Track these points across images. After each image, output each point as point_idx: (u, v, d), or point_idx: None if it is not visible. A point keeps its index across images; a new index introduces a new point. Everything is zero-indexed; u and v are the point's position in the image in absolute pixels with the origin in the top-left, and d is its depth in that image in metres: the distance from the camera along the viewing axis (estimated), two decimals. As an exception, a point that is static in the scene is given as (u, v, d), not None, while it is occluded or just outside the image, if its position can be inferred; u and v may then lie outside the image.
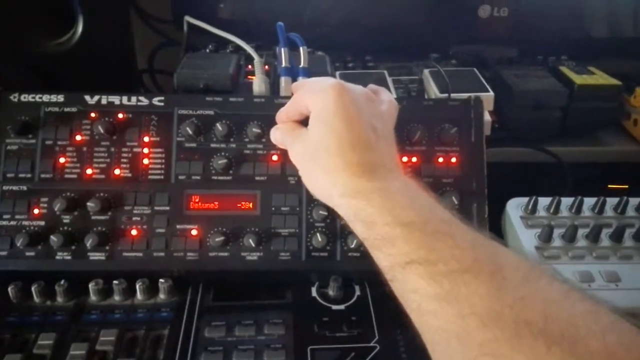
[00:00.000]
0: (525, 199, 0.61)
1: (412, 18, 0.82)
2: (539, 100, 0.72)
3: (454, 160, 0.57)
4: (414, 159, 0.56)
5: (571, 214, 0.60)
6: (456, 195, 0.55)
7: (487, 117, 0.63)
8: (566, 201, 0.61)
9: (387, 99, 0.50)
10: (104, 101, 0.55)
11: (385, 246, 0.40)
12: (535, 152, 0.73)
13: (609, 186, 0.75)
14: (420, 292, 0.37)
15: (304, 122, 0.49)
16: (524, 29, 0.83)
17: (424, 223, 0.39)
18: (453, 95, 0.63)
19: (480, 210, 0.56)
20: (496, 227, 0.62)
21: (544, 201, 0.61)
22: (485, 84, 0.67)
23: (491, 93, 0.65)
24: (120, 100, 0.55)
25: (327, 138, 0.44)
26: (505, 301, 0.34)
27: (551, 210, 0.60)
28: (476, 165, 0.57)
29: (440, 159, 0.56)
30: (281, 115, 0.52)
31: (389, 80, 0.70)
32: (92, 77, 0.70)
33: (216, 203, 0.54)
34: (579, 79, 0.73)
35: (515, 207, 0.61)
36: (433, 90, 0.67)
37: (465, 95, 0.61)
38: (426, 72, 0.71)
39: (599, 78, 0.74)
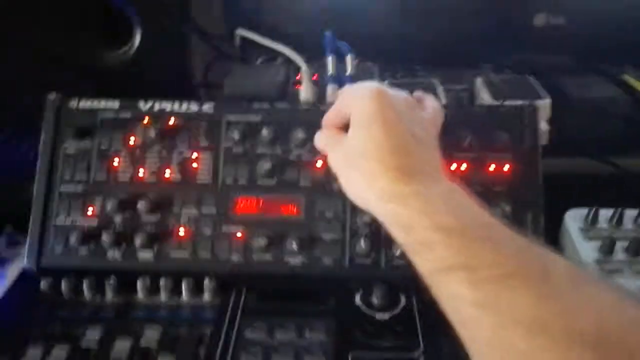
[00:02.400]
0: (585, 210, 0.58)
1: (464, 28, 0.81)
2: (599, 109, 0.69)
3: (506, 167, 0.54)
4: (464, 166, 0.54)
5: (635, 226, 0.56)
6: (509, 204, 0.53)
7: (544, 125, 0.60)
8: (630, 213, 0.57)
9: (431, 105, 0.50)
10: (156, 107, 0.57)
11: (424, 251, 0.39)
12: (595, 163, 0.69)
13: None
14: (461, 299, 0.35)
15: (348, 128, 0.49)
16: (582, 36, 0.79)
17: (464, 228, 0.37)
18: (507, 102, 0.61)
19: (536, 221, 0.54)
20: (553, 240, 0.59)
21: (605, 213, 0.58)
22: (541, 90, 0.65)
23: (547, 100, 0.63)
24: (172, 107, 0.57)
25: (365, 143, 0.44)
26: (553, 309, 0.32)
27: (613, 222, 0.57)
28: (531, 174, 0.54)
29: (492, 167, 0.54)
30: (325, 120, 0.52)
31: (440, 89, 0.69)
32: (148, 90, 0.73)
33: (261, 207, 0.55)
34: (643, 87, 0.69)
35: (574, 218, 0.58)
36: (485, 98, 0.65)
37: (518, 102, 0.59)
38: (478, 80, 0.69)
39: (665, 86, 0.70)
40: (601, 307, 0.31)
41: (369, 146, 0.43)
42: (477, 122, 0.56)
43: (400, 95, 0.47)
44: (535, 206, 0.54)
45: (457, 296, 0.36)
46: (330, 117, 0.51)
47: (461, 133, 0.55)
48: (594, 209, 0.58)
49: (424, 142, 0.45)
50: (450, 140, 0.54)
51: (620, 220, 0.57)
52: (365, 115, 0.44)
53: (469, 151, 0.55)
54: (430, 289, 0.39)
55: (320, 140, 0.52)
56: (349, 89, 0.51)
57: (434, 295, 0.39)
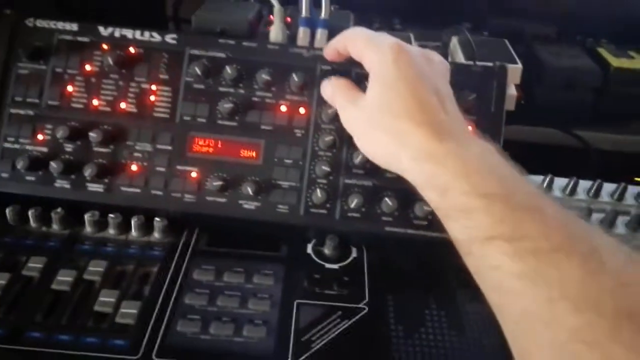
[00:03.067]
0: (539, 177, 0.59)
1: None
2: (571, 79, 0.69)
3: (469, 128, 0.54)
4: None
5: (589, 197, 0.57)
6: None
7: (513, 90, 0.60)
8: (584, 184, 0.58)
9: (439, 59, 0.48)
10: (117, 34, 0.54)
11: (461, 218, 0.37)
12: (560, 134, 0.69)
13: (636, 178, 0.71)
14: (503, 270, 0.34)
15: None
16: (564, 6, 0.78)
17: (508, 195, 0.36)
18: (478, 63, 0.60)
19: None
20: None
21: (561, 181, 0.58)
22: (515, 55, 0.64)
23: (519, 65, 0.62)
24: (133, 35, 0.54)
25: (392, 101, 0.42)
26: (604, 286, 0.30)
27: (567, 192, 0.57)
28: (492, 137, 0.54)
29: (457, 126, 0.54)
30: (330, 49, 0.50)
31: (414, 44, 0.67)
32: (115, 15, 0.69)
33: (219, 148, 0.53)
34: (616, 62, 0.69)
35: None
36: (459, 58, 0.64)
37: (488, 63, 0.58)
38: (454, 39, 0.68)
39: (638, 62, 0.70)
40: None
41: (397, 104, 0.41)
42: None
43: (416, 49, 0.45)
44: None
45: (498, 266, 0.34)
46: (335, 46, 0.49)
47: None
48: (549, 177, 0.59)
49: (448, 97, 0.43)
50: None
51: (574, 190, 0.58)
52: (387, 72, 0.42)
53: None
54: (463, 256, 0.38)
55: (328, 91, 0.49)
56: (363, 34, 0.47)
57: (466, 262, 0.37)
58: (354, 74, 0.52)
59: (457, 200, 0.37)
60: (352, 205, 0.52)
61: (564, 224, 0.34)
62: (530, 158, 0.62)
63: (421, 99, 0.41)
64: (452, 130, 0.41)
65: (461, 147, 0.39)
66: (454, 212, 0.38)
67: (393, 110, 0.42)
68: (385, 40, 0.44)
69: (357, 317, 0.46)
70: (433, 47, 0.68)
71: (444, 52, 0.67)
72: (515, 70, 0.61)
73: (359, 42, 0.46)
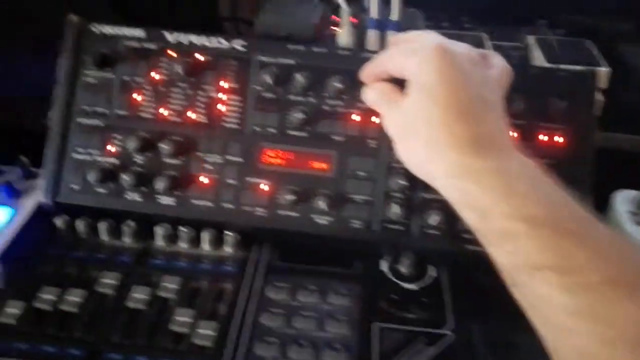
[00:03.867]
0: (634, 193, 0.54)
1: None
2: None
3: (558, 139, 0.50)
4: (512, 134, 0.50)
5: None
6: (558, 178, 0.49)
7: (599, 95, 0.56)
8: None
9: (498, 64, 0.43)
10: (184, 40, 0.53)
11: (504, 243, 0.34)
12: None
13: None
14: (553, 304, 0.31)
15: (395, 80, 0.44)
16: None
17: (555, 219, 0.33)
18: (563, 66, 0.56)
19: (584, 200, 0.49)
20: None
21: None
22: (600, 57, 0.60)
23: (607, 68, 0.58)
24: (201, 41, 0.53)
25: (429, 108, 0.38)
26: None
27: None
28: (584, 149, 0.50)
29: (543, 137, 0.50)
30: (367, 73, 0.47)
31: (488, 44, 0.63)
32: (172, 17, 0.68)
33: (290, 160, 0.51)
34: None
35: (623, 201, 0.55)
36: (539, 60, 0.60)
37: (576, 67, 0.54)
38: (531, 38, 0.64)
39: None
40: None
41: (434, 112, 0.38)
42: (530, 85, 0.51)
43: (465, 51, 0.41)
44: (585, 184, 0.50)
45: (546, 299, 0.32)
46: (375, 70, 0.46)
47: (513, 96, 0.50)
48: (643, 192, 0.54)
49: (495, 106, 0.39)
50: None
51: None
52: (428, 76, 0.39)
53: (519, 118, 0.50)
54: (508, 284, 0.35)
55: (371, 95, 0.46)
56: (402, 41, 0.45)
57: (512, 291, 0.35)
58: None
59: (498, 224, 0.34)
60: (432, 222, 0.49)
61: (618, 254, 0.32)
62: (617, 168, 0.59)
63: (461, 107, 0.38)
64: (493, 145, 0.37)
65: (502, 164, 0.36)
66: (495, 236, 0.35)
67: (430, 119, 0.38)
68: (428, 42, 0.40)
69: (443, 343, 0.44)
70: (510, 47, 0.64)
71: (523, 53, 0.63)
72: (602, 74, 0.57)
73: (396, 59, 0.43)
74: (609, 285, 0.30)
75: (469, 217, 0.37)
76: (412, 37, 0.44)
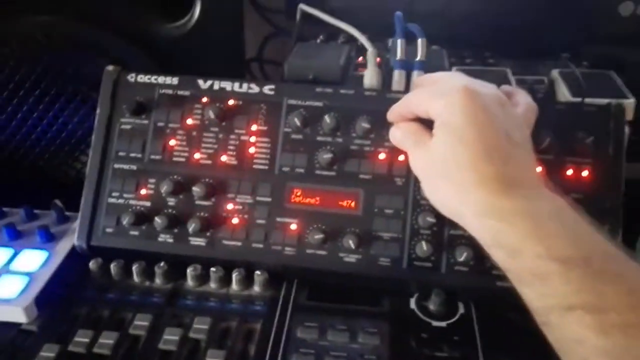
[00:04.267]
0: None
1: (541, 13, 0.75)
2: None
3: (585, 174, 0.50)
4: (539, 169, 0.50)
5: None
6: (586, 213, 0.48)
7: (626, 127, 0.55)
8: None
9: (523, 101, 0.44)
10: (216, 86, 0.55)
11: (535, 283, 0.34)
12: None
13: None
14: (587, 345, 0.31)
15: (423, 121, 0.45)
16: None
17: (587, 259, 0.33)
18: (587, 100, 0.56)
19: (613, 234, 0.49)
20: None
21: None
22: (626, 89, 0.59)
23: (632, 100, 0.57)
24: (232, 87, 0.55)
25: (456, 149, 0.39)
26: None
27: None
28: (612, 182, 0.50)
29: (570, 171, 0.50)
30: (394, 114, 0.48)
31: (512, 79, 0.64)
32: (202, 62, 0.70)
33: (318, 199, 0.52)
34: None
35: (655, 234, 0.53)
36: (563, 93, 0.60)
37: (602, 100, 0.54)
38: (555, 72, 0.64)
39: None
40: None
41: (461, 152, 0.39)
42: (557, 120, 0.51)
43: (490, 92, 0.42)
44: (614, 217, 0.50)
45: (581, 341, 0.32)
46: (401, 112, 0.47)
47: (539, 132, 0.50)
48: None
49: (521, 144, 0.40)
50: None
51: None
52: (454, 118, 0.39)
53: (547, 152, 0.50)
54: (540, 324, 0.35)
55: (397, 135, 0.47)
56: (426, 83, 0.46)
57: (544, 331, 0.35)
58: None
59: (529, 264, 0.34)
60: (461, 259, 0.49)
61: None
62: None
63: (488, 148, 0.38)
64: (521, 183, 0.37)
65: (531, 203, 0.36)
66: (527, 276, 0.35)
67: (457, 159, 0.39)
68: (454, 84, 0.41)
69: (474, 383, 0.43)
70: (534, 81, 0.65)
71: (548, 88, 0.63)
72: (629, 106, 0.56)
73: (423, 101, 0.44)
74: None
75: (499, 256, 0.37)
76: (438, 79, 0.45)
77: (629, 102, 0.57)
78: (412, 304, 0.51)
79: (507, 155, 0.38)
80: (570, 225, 0.35)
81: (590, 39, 0.75)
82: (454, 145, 0.39)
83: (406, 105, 0.46)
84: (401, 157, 0.51)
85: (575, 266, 0.32)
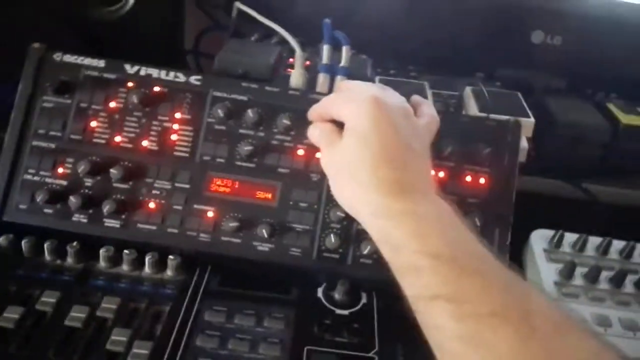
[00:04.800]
0: (551, 232, 0.59)
1: (462, 35, 0.80)
2: (581, 134, 0.70)
3: (482, 181, 0.55)
4: (441, 174, 0.55)
5: (597, 254, 0.58)
6: (480, 216, 0.53)
7: (525, 143, 0.61)
8: (594, 241, 0.59)
9: (428, 112, 0.49)
10: (142, 72, 0.56)
11: (410, 275, 0.39)
12: (568, 186, 0.70)
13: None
14: (444, 331, 0.35)
15: (338, 124, 0.48)
16: (575, 60, 0.80)
17: (454, 256, 0.37)
18: (492, 116, 0.62)
19: (503, 237, 0.54)
20: (516, 258, 0.60)
21: (570, 237, 0.59)
22: (527, 109, 0.65)
23: (532, 119, 0.64)
24: (159, 74, 0.56)
25: (361, 152, 0.43)
26: (533, 353, 0.32)
27: (577, 248, 0.58)
28: (505, 190, 0.55)
29: (468, 178, 0.55)
30: (314, 113, 0.52)
31: (429, 92, 0.69)
32: (136, 49, 0.71)
33: (236, 188, 0.54)
34: (625, 118, 0.70)
35: (539, 239, 0.59)
36: (472, 109, 0.65)
37: (504, 117, 0.59)
38: (468, 89, 0.69)
39: (648, 120, 0.71)
40: (582, 357, 0.32)
41: (364, 156, 0.42)
42: (460, 131, 0.56)
43: (397, 104, 0.46)
44: (505, 222, 0.55)
45: (440, 327, 0.36)
46: (319, 111, 0.50)
47: (444, 140, 0.55)
48: (559, 232, 0.59)
49: (420, 154, 0.44)
50: (432, 146, 0.54)
51: (583, 247, 0.58)
52: (361, 124, 0.43)
53: (449, 160, 0.55)
54: (414, 313, 0.39)
55: (314, 134, 0.51)
56: (343, 89, 0.50)
57: (417, 319, 0.39)
58: None
59: (408, 258, 0.39)
60: (365, 251, 0.53)
61: (504, 288, 0.36)
62: (538, 209, 0.63)
63: (388, 154, 0.42)
64: (413, 188, 0.42)
65: (418, 206, 0.40)
66: (404, 269, 0.39)
67: (360, 162, 0.43)
68: (365, 93, 0.45)
69: (368, 367, 0.46)
70: (448, 96, 0.70)
71: (459, 102, 0.68)
72: (528, 124, 0.63)
73: (338, 103, 0.48)
74: (491, 316, 0.34)
75: (385, 250, 0.41)
76: (353, 86, 0.49)
77: (528, 120, 0.63)
78: (319, 292, 0.54)
79: (405, 162, 0.42)
80: (447, 227, 0.40)
81: (505, 62, 0.82)
82: (359, 149, 0.43)
83: (323, 107, 0.50)
84: (318, 155, 0.54)
85: (445, 262, 0.37)
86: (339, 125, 0.48)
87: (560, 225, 0.60)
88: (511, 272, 0.37)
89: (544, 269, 0.56)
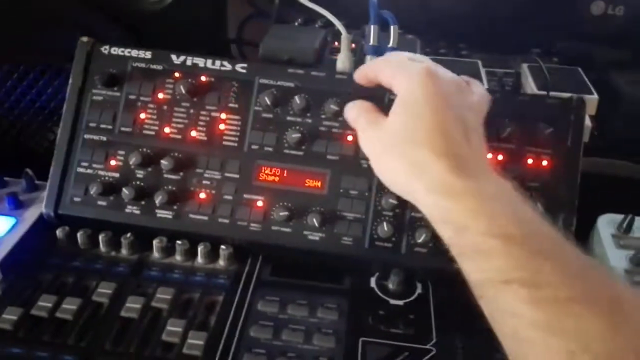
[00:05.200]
0: (619, 217, 0.55)
1: (515, 8, 0.76)
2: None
3: (545, 163, 0.52)
4: (500, 157, 0.52)
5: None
6: (542, 201, 0.50)
7: (587, 121, 0.57)
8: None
9: (478, 90, 0.46)
10: (189, 62, 0.55)
11: (477, 258, 0.36)
12: (636, 167, 0.66)
13: None
14: (519, 317, 0.33)
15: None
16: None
17: (526, 237, 0.34)
18: (552, 93, 0.58)
19: (567, 222, 0.51)
20: (582, 245, 0.56)
21: (640, 222, 0.55)
22: (590, 85, 0.61)
23: (595, 96, 0.60)
24: (205, 63, 0.55)
25: (413, 127, 0.40)
26: (629, 343, 0.29)
27: (647, 233, 0.54)
28: (569, 173, 0.52)
29: (530, 160, 0.52)
30: (360, 74, 0.49)
31: (482, 71, 0.65)
32: (180, 40, 0.71)
33: (285, 177, 0.53)
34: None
35: (607, 224, 0.56)
36: (530, 87, 0.62)
37: (565, 95, 0.56)
38: (524, 66, 0.66)
39: None
40: None
41: (418, 131, 0.40)
42: (519, 111, 0.53)
43: (450, 77, 0.43)
44: (569, 207, 0.52)
45: (514, 313, 0.33)
46: (365, 73, 0.48)
47: (502, 121, 0.52)
48: (629, 217, 0.55)
49: (475, 130, 0.42)
50: (491, 128, 0.52)
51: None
52: (414, 97, 0.41)
53: (508, 142, 0.52)
54: (477, 298, 0.36)
55: (351, 113, 0.48)
56: (395, 58, 0.47)
57: (481, 304, 0.36)
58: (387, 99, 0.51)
59: (473, 240, 0.36)
60: (420, 240, 0.51)
61: (584, 272, 0.33)
62: (604, 192, 0.60)
63: (444, 128, 0.39)
64: (472, 165, 0.39)
65: (480, 184, 0.38)
66: (469, 251, 0.37)
67: (413, 137, 0.40)
68: (417, 65, 0.42)
69: (425, 359, 0.45)
70: (503, 74, 0.66)
71: (516, 80, 0.65)
72: (591, 101, 0.59)
73: (389, 69, 0.45)
74: (574, 301, 0.31)
75: (446, 232, 0.38)
76: (407, 55, 0.46)
77: (592, 97, 0.59)
78: (372, 282, 0.52)
79: (461, 138, 0.40)
80: (513, 206, 0.37)
81: (563, 36, 0.77)
82: (411, 123, 0.40)
83: (373, 69, 0.47)
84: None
85: (515, 243, 0.34)
86: (378, 103, 0.46)
87: (630, 209, 0.56)
88: (585, 254, 0.34)
89: (613, 256, 0.52)
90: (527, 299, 0.32)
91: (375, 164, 0.45)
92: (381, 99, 0.51)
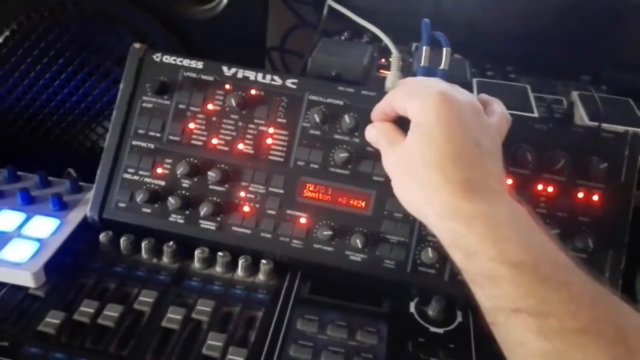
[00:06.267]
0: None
1: (565, 32, 0.75)
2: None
3: (596, 198, 0.51)
4: (551, 189, 0.51)
5: None
6: (592, 237, 0.49)
7: (640, 156, 0.56)
8: None
9: (498, 110, 0.46)
10: (239, 75, 0.55)
11: (487, 285, 0.36)
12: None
13: None
14: (527, 347, 0.33)
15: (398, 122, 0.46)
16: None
17: (536, 265, 0.34)
18: (604, 125, 0.57)
19: (616, 260, 0.50)
20: (629, 283, 0.55)
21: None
22: (643, 118, 0.60)
23: (649, 129, 0.58)
24: (255, 77, 0.55)
25: (426, 150, 0.40)
26: None
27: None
28: (621, 209, 0.51)
29: (581, 194, 0.51)
30: (376, 112, 0.49)
31: (531, 96, 0.64)
32: (225, 47, 0.71)
33: (329, 196, 0.53)
34: None
35: (658, 264, 0.54)
36: (581, 116, 0.60)
37: (619, 127, 0.54)
38: (575, 94, 0.64)
39: None
40: None
41: (430, 155, 0.40)
42: (573, 143, 0.52)
43: (465, 99, 0.42)
44: (619, 244, 0.50)
45: (523, 342, 0.33)
46: (381, 108, 0.48)
47: (556, 152, 0.51)
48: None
49: (490, 153, 0.41)
50: (544, 159, 0.51)
51: None
52: (428, 121, 0.40)
53: (560, 174, 0.51)
54: (489, 324, 0.37)
55: (372, 134, 0.48)
56: (409, 84, 0.46)
57: (493, 331, 0.36)
58: None
59: (483, 266, 0.36)
60: (464, 269, 0.50)
61: (592, 302, 0.33)
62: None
63: (457, 151, 0.39)
64: (484, 188, 0.38)
65: (491, 209, 0.37)
66: (480, 277, 0.36)
67: (425, 159, 0.40)
68: (431, 90, 0.42)
69: (467, 391, 0.44)
70: (552, 100, 0.65)
71: (566, 109, 0.63)
72: (644, 135, 0.57)
73: (402, 97, 0.44)
74: (580, 333, 0.31)
75: (456, 256, 0.38)
76: (420, 81, 0.47)
77: (644, 131, 0.58)
78: (412, 307, 0.51)
79: (473, 160, 0.39)
80: (525, 232, 0.37)
81: (611, 63, 0.76)
82: (424, 146, 0.40)
83: (387, 102, 0.47)
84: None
85: (525, 271, 0.34)
86: (401, 125, 0.46)
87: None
88: (598, 284, 0.34)
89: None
90: (535, 328, 0.32)
91: (394, 184, 0.45)
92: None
